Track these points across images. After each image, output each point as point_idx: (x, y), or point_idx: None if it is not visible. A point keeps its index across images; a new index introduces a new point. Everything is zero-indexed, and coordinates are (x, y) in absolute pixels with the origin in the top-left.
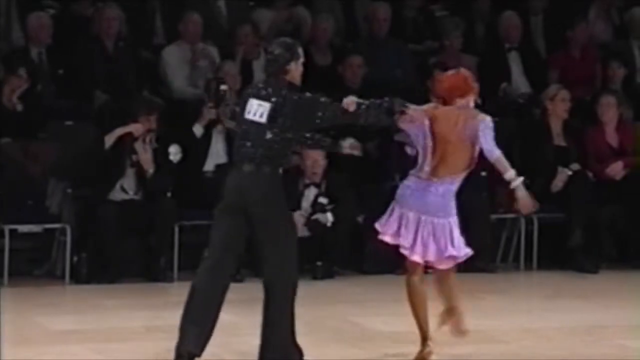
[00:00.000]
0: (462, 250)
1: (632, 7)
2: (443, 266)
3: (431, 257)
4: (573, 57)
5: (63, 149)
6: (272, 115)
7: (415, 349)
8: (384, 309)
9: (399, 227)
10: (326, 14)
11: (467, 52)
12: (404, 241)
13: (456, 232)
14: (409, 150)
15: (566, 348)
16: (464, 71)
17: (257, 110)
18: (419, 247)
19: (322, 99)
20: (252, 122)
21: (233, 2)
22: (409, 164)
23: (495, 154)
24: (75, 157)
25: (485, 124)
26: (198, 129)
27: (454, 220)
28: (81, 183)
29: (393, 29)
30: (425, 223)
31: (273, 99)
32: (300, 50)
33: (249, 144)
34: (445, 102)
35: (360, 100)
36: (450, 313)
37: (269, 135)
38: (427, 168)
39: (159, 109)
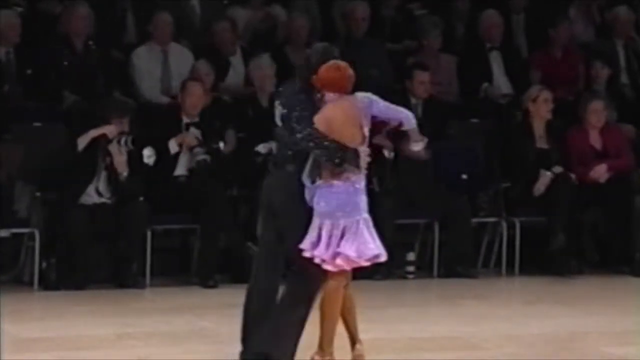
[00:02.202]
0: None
1: (614, 6)
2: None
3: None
4: (555, 57)
5: (31, 150)
6: (284, 118)
7: (393, 356)
8: (361, 315)
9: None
10: (302, 12)
11: (446, 51)
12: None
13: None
14: (386, 153)
15: (548, 355)
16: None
17: (278, 113)
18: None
19: None
20: (276, 125)
21: (207, 1)
22: (387, 167)
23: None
24: (43, 160)
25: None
26: (173, 146)
27: None
28: (50, 186)
29: (371, 28)
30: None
31: (287, 102)
32: (335, 54)
33: (276, 145)
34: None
35: None
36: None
37: (288, 137)
38: None
39: (131, 111)
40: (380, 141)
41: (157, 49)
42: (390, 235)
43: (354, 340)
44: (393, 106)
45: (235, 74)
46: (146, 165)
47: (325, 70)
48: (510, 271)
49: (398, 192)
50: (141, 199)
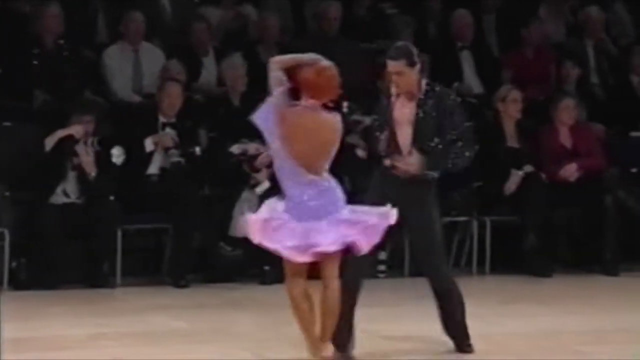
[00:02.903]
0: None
1: (586, 6)
2: None
3: None
4: (527, 57)
5: (1, 150)
6: None
7: (364, 354)
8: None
9: None
10: (273, 11)
11: (418, 50)
12: None
13: None
14: (360, 152)
15: (521, 354)
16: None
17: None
18: None
19: None
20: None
21: (178, 0)
22: (358, 166)
23: None
24: (13, 159)
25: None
26: (149, 145)
27: None
28: (20, 186)
29: (343, 28)
30: None
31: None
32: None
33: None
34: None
35: None
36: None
37: None
38: None
39: (99, 110)
40: (354, 141)
41: (128, 48)
42: None
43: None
44: None
45: (208, 74)
46: (114, 164)
47: (314, 73)
48: (481, 270)
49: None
50: (112, 198)
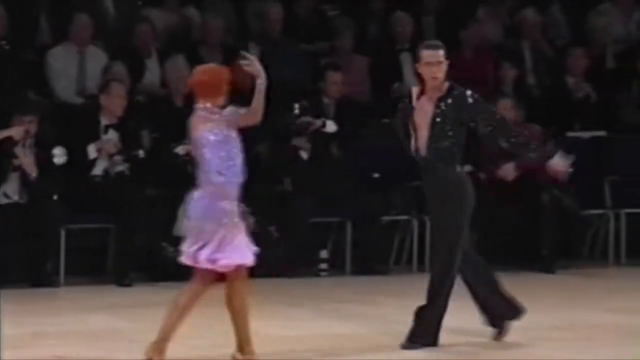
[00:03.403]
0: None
1: (522, 8)
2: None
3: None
4: (466, 58)
5: None
6: None
7: (308, 354)
8: (275, 313)
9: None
10: (216, 14)
11: (359, 52)
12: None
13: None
14: (303, 154)
15: (460, 349)
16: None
17: None
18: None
19: None
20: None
21: (121, 2)
22: (301, 168)
23: None
24: None
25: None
26: (92, 152)
27: None
28: None
29: (285, 29)
30: None
31: None
32: (422, 52)
33: None
34: None
35: None
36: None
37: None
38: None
39: (42, 111)
40: (299, 143)
41: (73, 50)
42: (304, 234)
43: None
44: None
45: (151, 75)
46: (56, 165)
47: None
48: (422, 268)
49: (312, 192)
50: (55, 198)
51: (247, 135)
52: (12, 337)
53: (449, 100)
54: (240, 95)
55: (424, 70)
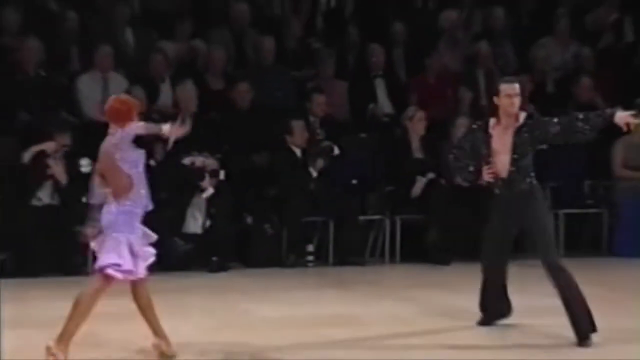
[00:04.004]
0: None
1: (477, 41)
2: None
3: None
4: (429, 83)
5: None
6: None
7: (298, 332)
8: (269, 297)
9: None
10: (219, 45)
11: (339, 78)
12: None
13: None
14: (314, 172)
15: (427, 330)
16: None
17: None
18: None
19: None
20: None
21: (139, 34)
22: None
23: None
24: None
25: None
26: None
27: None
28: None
29: (277, 58)
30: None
31: None
32: (501, 86)
33: None
34: None
35: None
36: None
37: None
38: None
39: (70, 128)
40: (314, 164)
41: (98, 76)
42: (294, 231)
43: (156, 334)
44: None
45: (165, 97)
46: (83, 173)
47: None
48: (392, 260)
49: (301, 196)
50: (83, 200)
51: (244, 145)
52: (46, 319)
53: (525, 129)
54: (238, 112)
55: (503, 101)
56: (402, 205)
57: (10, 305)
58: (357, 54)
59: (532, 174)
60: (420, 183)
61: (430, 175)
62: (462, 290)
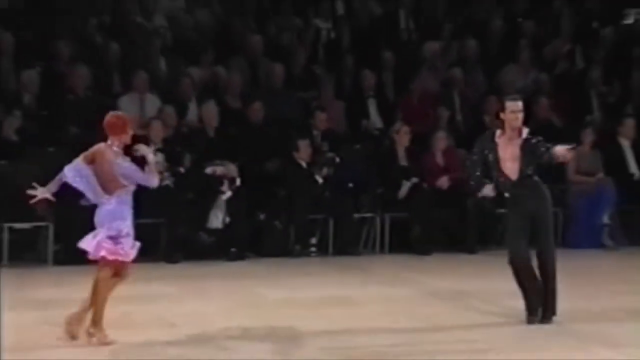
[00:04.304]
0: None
1: (452, 67)
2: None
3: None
4: (413, 102)
5: (45, 167)
6: None
7: (304, 312)
8: (279, 282)
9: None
10: (237, 71)
11: (337, 98)
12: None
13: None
14: (319, 179)
15: (408, 309)
16: (120, 114)
17: None
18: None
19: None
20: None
21: (170, 62)
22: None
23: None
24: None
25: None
26: None
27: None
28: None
29: (285, 82)
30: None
31: None
32: (507, 103)
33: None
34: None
35: None
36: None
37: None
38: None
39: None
40: (320, 173)
41: (136, 97)
42: (300, 226)
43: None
44: (137, 171)
45: (192, 114)
46: None
47: (109, 117)
48: (382, 251)
49: (306, 196)
50: None
51: (258, 154)
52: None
53: (528, 143)
54: (253, 127)
55: (508, 116)
56: (390, 205)
57: (60, 289)
58: (352, 78)
59: (536, 177)
60: (405, 187)
61: (414, 180)
62: (441, 275)
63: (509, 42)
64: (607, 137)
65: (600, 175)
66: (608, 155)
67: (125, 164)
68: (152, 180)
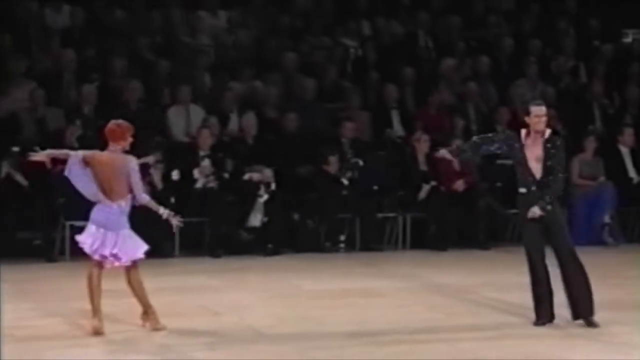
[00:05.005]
0: (127, 255)
1: (467, 81)
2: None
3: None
4: (431, 113)
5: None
6: None
7: (334, 301)
8: (311, 275)
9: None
10: (273, 85)
11: (363, 109)
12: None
13: (128, 241)
14: (345, 181)
15: (427, 299)
16: (123, 123)
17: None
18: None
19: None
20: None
21: (214, 77)
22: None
23: (143, 199)
24: None
25: (132, 166)
26: (196, 174)
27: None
28: None
29: (317, 95)
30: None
31: None
32: (531, 107)
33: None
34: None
35: None
36: (145, 313)
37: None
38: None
39: (163, 147)
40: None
41: (182, 108)
42: (331, 224)
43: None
44: (139, 182)
45: (233, 124)
46: (173, 181)
47: (113, 125)
48: (403, 247)
49: (335, 198)
50: (172, 201)
51: (292, 160)
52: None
53: (549, 144)
54: (288, 135)
55: (533, 120)
56: (410, 205)
57: (117, 280)
58: (377, 91)
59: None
60: (424, 189)
61: (432, 183)
62: (456, 270)
63: (518, 58)
64: (607, 145)
65: (602, 179)
66: (609, 161)
67: (136, 169)
68: (142, 195)
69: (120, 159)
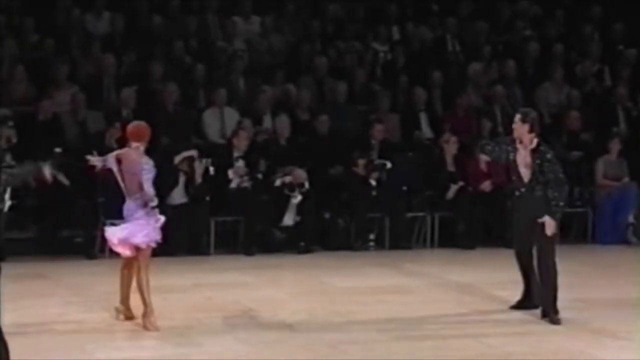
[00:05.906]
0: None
1: (494, 85)
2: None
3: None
4: (459, 116)
5: None
6: None
7: (364, 298)
8: (342, 272)
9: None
10: (305, 88)
11: (393, 112)
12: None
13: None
14: (373, 182)
15: (454, 296)
16: (143, 124)
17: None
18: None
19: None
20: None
21: (248, 80)
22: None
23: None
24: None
25: (148, 168)
26: (231, 174)
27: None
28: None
29: (347, 97)
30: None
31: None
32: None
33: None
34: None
35: None
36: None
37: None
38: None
39: (197, 147)
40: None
41: (217, 111)
42: (361, 224)
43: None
44: (149, 181)
45: (267, 126)
46: (211, 176)
47: (132, 126)
48: (432, 245)
49: (365, 198)
50: (207, 199)
51: (324, 160)
52: (179, 287)
53: (538, 160)
54: (320, 137)
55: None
56: (438, 205)
57: (155, 276)
58: (406, 94)
59: (540, 187)
60: (452, 189)
61: (460, 184)
62: (483, 267)
63: (544, 62)
64: (631, 147)
65: (626, 179)
66: (633, 162)
67: (147, 166)
68: (149, 193)
69: (139, 156)
